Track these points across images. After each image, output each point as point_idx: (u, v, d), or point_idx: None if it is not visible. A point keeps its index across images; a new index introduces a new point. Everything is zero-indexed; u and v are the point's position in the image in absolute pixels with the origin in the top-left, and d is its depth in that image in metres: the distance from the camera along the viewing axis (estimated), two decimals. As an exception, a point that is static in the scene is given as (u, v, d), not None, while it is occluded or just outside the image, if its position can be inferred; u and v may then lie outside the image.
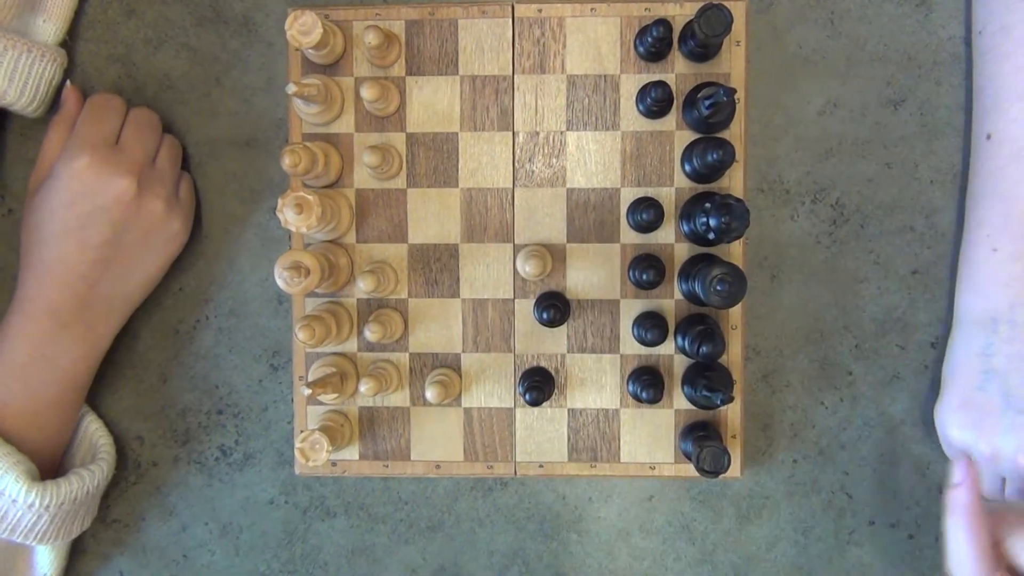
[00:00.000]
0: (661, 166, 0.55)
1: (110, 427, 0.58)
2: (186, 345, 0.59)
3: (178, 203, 0.55)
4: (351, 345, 0.56)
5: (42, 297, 0.52)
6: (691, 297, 0.54)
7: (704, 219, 0.49)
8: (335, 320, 0.54)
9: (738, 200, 0.48)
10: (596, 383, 0.56)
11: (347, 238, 0.56)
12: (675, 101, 0.54)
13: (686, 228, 0.54)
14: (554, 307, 0.53)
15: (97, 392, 0.58)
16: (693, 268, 0.53)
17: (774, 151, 0.57)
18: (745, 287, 0.48)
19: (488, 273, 0.56)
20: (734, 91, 0.48)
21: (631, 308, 0.56)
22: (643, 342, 0.54)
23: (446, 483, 0.59)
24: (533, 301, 0.55)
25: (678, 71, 0.55)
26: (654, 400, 0.53)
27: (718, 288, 0.48)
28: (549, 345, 0.56)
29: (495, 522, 0.59)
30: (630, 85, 0.55)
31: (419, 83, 0.55)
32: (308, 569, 0.59)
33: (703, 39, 0.50)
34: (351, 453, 0.57)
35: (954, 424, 0.53)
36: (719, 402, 0.50)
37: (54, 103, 0.57)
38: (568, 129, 0.55)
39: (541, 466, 0.57)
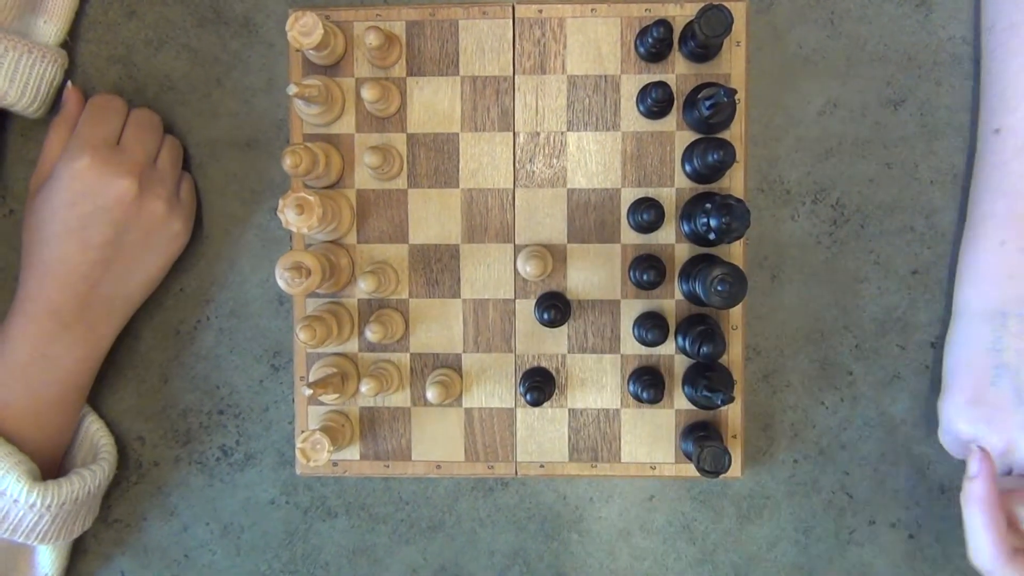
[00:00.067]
0: (662, 166, 0.55)
1: (111, 427, 0.58)
2: (187, 345, 0.59)
3: (179, 204, 0.55)
4: (352, 345, 0.57)
5: (43, 297, 0.52)
6: (692, 297, 0.54)
7: (705, 219, 0.49)
8: (336, 320, 0.54)
9: (738, 200, 0.48)
10: (597, 383, 0.56)
11: (348, 239, 0.56)
12: (675, 101, 0.54)
13: (686, 228, 0.54)
14: (555, 307, 0.53)
15: (98, 392, 0.58)
16: (694, 268, 0.53)
17: (774, 151, 0.57)
18: (745, 287, 0.48)
19: (489, 273, 0.56)
20: (734, 91, 0.49)
21: (632, 308, 0.56)
22: (644, 342, 0.54)
23: (447, 483, 0.59)
24: (534, 301, 0.55)
25: (678, 71, 0.55)
26: (655, 400, 0.53)
27: (719, 288, 0.48)
28: (550, 345, 0.56)
29: (496, 522, 0.59)
30: (630, 85, 0.55)
31: (420, 84, 0.55)
32: (309, 569, 0.59)
33: (703, 39, 0.50)
34: (352, 453, 0.57)
35: (963, 420, 0.52)
36: (720, 402, 0.50)
37: (55, 104, 0.57)
38: (569, 129, 0.55)
39: (542, 466, 0.57)
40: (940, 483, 0.57)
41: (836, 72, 0.57)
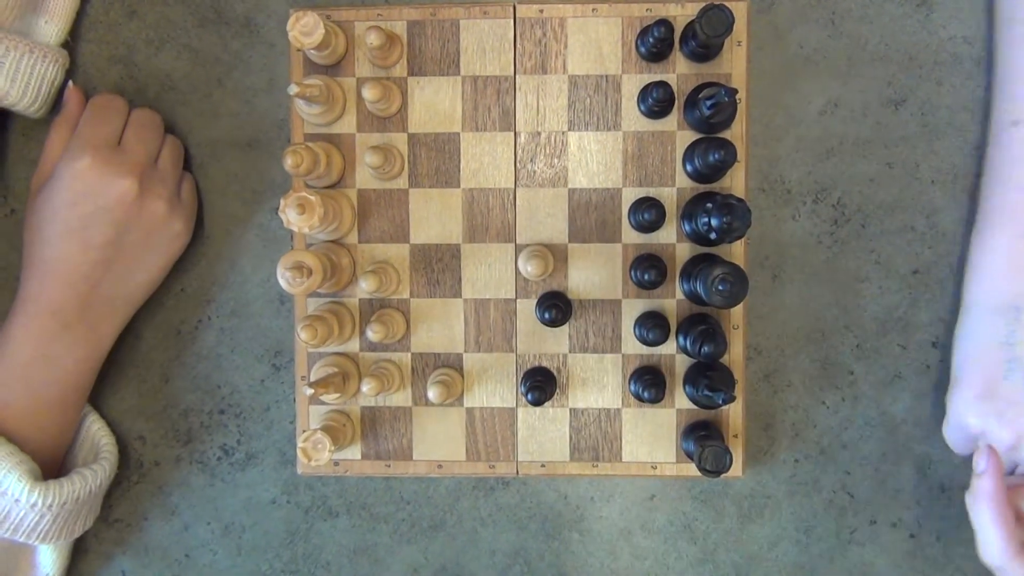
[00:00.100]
0: (663, 166, 0.55)
1: (112, 427, 0.58)
2: (188, 345, 0.59)
3: (180, 204, 0.55)
4: (353, 345, 0.57)
5: (44, 297, 0.52)
6: (693, 297, 0.54)
7: (706, 219, 0.49)
8: (337, 320, 0.54)
9: (740, 200, 0.48)
10: (598, 383, 0.56)
11: (349, 238, 0.56)
12: (676, 101, 0.54)
13: (687, 228, 0.54)
14: (556, 307, 0.53)
15: (99, 392, 0.58)
16: (695, 268, 0.53)
17: (775, 151, 0.57)
18: (747, 287, 0.48)
19: (490, 273, 0.56)
20: (735, 91, 0.49)
21: (633, 308, 0.56)
22: (645, 342, 0.54)
23: (448, 483, 0.59)
24: (535, 301, 0.55)
25: (679, 71, 0.55)
26: (656, 400, 0.53)
27: (720, 288, 0.48)
28: (551, 345, 0.56)
29: (497, 522, 0.59)
30: (631, 85, 0.55)
31: (421, 83, 0.55)
32: (310, 569, 0.59)
33: (704, 39, 0.50)
34: (353, 453, 0.57)
35: (973, 414, 0.52)
36: (721, 402, 0.50)
37: (56, 104, 0.57)
38: (570, 129, 0.55)
39: (543, 466, 0.57)
40: (941, 483, 0.57)
41: (837, 72, 0.57)
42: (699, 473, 0.50)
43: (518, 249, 0.56)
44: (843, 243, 0.57)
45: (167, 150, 0.55)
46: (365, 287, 0.52)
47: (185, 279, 0.59)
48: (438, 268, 0.56)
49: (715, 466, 0.50)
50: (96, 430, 0.57)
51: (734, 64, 0.55)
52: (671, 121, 0.55)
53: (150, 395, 0.59)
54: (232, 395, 0.59)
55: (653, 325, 0.53)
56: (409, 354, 0.57)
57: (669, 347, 0.56)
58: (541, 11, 0.55)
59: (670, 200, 0.55)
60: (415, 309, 0.56)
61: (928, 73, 0.56)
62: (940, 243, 0.57)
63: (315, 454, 0.51)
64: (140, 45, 0.58)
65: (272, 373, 0.59)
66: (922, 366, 0.57)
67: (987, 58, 0.56)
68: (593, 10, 0.55)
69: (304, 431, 0.53)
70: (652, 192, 0.55)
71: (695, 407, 0.55)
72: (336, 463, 0.57)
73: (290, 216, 0.49)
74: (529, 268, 0.53)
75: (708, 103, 0.50)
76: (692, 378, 0.54)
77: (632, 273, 0.55)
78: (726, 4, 0.50)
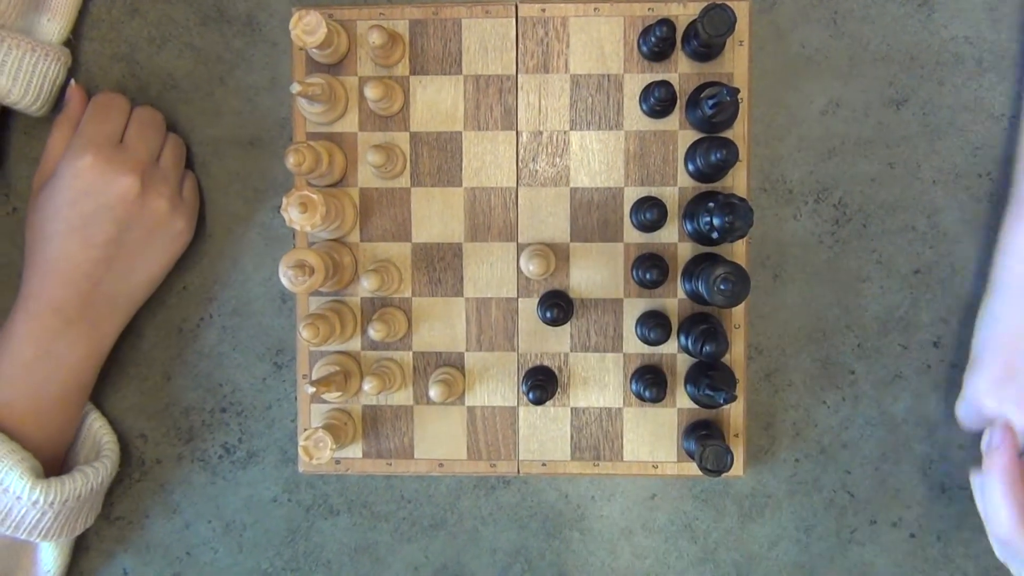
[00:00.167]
0: (664, 165, 0.55)
1: (114, 425, 0.58)
2: (190, 343, 0.59)
3: (182, 202, 0.55)
4: (355, 344, 0.57)
5: (46, 295, 0.52)
6: (694, 296, 0.54)
7: (707, 218, 0.49)
8: (339, 319, 0.54)
9: (741, 199, 0.48)
10: (599, 382, 0.56)
11: (351, 237, 0.56)
12: (678, 101, 0.54)
13: (689, 227, 0.54)
14: (557, 306, 0.53)
15: (101, 390, 0.58)
16: (696, 267, 0.53)
17: (777, 151, 0.57)
18: (748, 286, 0.48)
19: (492, 272, 0.56)
20: (737, 91, 0.49)
21: (634, 307, 0.56)
22: (646, 341, 0.54)
23: (449, 481, 0.59)
24: (536, 300, 0.55)
25: (681, 71, 0.55)
26: (657, 399, 0.53)
27: (721, 287, 0.48)
28: (552, 344, 0.56)
29: (498, 520, 0.59)
30: (633, 85, 0.55)
31: (423, 82, 0.55)
32: (311, 567, 0.59)
33: (706, 39, 0.50)
34: (354, 451, 0.57)
35: (991, 396, 0.52)
36: (722, 401, 0.50)
37: (58, 102, 0.57)
38: (571, 128, 0.55)
39: (544, 465, 0.57)
40: (941, 483, 0.57)
41: (839, 72, 0.57)
42: (700, 472, 0.50)
43: (520, 248, 0.56)
44: (844, 243, 0.57)
45: (169, 148, 0.55)
46: (367, 286, 0.52)
47: (187, 277, 0.59)
48: (440, 267, 0.56)
49: (716, 465, 0.50)
50: (98, 428, 0.57)
51: (736, 64, 0.55)
52: (673, 120, 0.55)
53: (152, 393, 0.59)
54: (234, 393, 0.59)
55: (654, 324, 0.53)
56: (411, 353, 0.57)
57: (670, 346, 0.56)
58: (543, 10, 0.55)
59: (672, 199, 0.55)
60: (417, 308, 0.56)
61: (930, 73, 0.56)
62: (941, 243, 0.57)
63: (316, 452, 0.51)
64: (142, 43, 0.58)
65: (274, 371, 0.59)
66: (923, 366, 0.57)
67: (1019, 49, 0.56)
68: (595, 9, 0.55)
69: (305, 429, 0.53)
70: (654, 191, 0.55)
71: (696, 406, 0.55)
72: (337, 461, 0.57)
73: (292, 215, 0.49)
74: (531, 267, 0.53)
75: (710, 103, 0.50)
76: (693, 377, 0.55)
77: (634, 272, 0.55)
78: (728, 4, 0.50)
